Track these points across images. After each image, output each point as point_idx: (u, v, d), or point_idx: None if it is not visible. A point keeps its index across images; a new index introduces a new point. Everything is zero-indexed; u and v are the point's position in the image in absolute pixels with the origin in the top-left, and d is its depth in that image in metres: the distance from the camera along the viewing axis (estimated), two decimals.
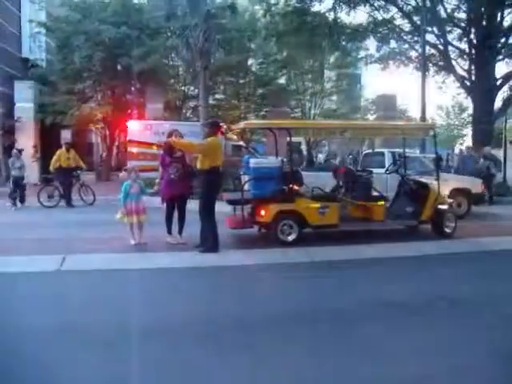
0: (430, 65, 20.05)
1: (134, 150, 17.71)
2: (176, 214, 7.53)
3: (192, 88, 24.34)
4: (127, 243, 7.17)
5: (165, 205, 7.51)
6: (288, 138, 7.85)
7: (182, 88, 24.61)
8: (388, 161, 11.28)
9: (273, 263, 6.44)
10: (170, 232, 7.53)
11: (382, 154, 12.08)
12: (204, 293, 5.15)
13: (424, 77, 16.64)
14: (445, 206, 8.33)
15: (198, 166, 6.92)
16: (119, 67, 21.27)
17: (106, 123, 22.59)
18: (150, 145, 17.19)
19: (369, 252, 7.09)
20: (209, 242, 6.85)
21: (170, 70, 23.90)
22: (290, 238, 7.49)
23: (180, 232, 7.55)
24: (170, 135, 7.41)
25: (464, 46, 18.74)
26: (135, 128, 18.07)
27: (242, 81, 25.09)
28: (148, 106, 21.18)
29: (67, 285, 5.35)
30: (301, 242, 7.41)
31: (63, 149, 12.97)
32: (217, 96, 25.37)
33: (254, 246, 7.46)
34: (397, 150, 12.21)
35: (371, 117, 35.09)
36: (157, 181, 7.76)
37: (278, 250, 7.12)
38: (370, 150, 15.38)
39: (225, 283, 5.56)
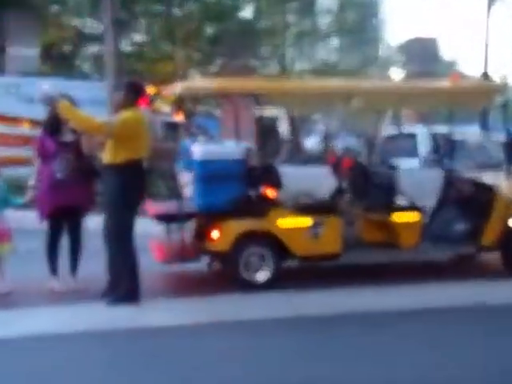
0: None
1: None
2: (66, 241, 7.51)
3: (92, 22, 24.30)
4: None
5: (46, 224, 7.50)
6: (257, 112, 7.94)
7: (74, 22, 24.56)
8: (425, 147, 11.50)
9: (231, 321, 6.46)
10: (54, 271, 7.50)
11: (414, 135, 12.31)
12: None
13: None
14: None
15: (106, 158, 6.93)
16: None
17: None
18: (15, 120, 17.16)
19: (392, 300, 7.21)
20: (122, 286, 6.86)
21: None
22: (261, 276, 7.56)
23: (73, 271, 7.55)
24: (51, 103, 7.37)
25: None
26: None
27: (177, 11, 25.17)
28: (11, 51, 20.99)
29: None
30: (278, 284, 7.48)
31: None
32: (136, 37, 25.40)
33: (200, 291, 7.48)
34: (440, 128, 12.43)
35: (397, 74, 35.74)
36: (30, 183, 7.73)
37: (241, 299, 7.17)
38: (396, 131, 15.61)
39: (145, 363, 5.54)
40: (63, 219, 7.47)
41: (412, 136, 12.45)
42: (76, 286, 7.44)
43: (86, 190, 7.53)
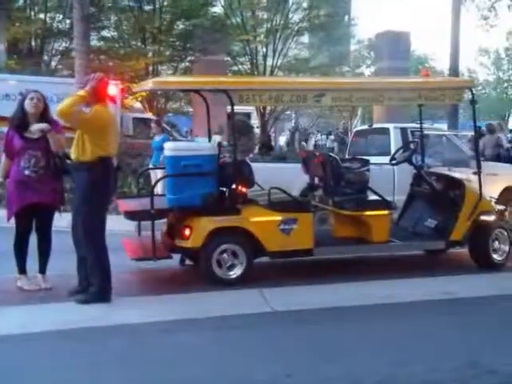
0: None
1: None
2: (34, 239, 7.45)
3: (60, 17, 24.09)
4: None
5: (14, 223, 7.45)
6: (229, 108, 7.96)
7: (42, 16, 24.33)
8: (395, 143, 11.60)
9: (203, 318, 6.47)
10: (22, 270, 7.43)
11: (386, 131, 12.41)
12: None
13: None
14: (491, 218, 8.68)
15: (75, 155, 6.86)
16: None
17: None
18: None
19: (364, 294, 7.28)
20: (94, 284, 6.85)
21: None
22: (233, 273, 7.60)
23: (42, 269, 7.48)
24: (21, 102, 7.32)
25: None
26: None
27: (148, 7, 25.03)
28: None
29: None
30: (250, 281, 7.52)
31: None
32: (105, 33, 25.22)
33: (172, 288, 7.51)
34: (410, 125, 12.56)
35: (367, 70, 35.93)
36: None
37: (213, 295, 7.19)
38: (366, 126, 15.77)
39: (117, 361, 5.53)
40: (31, 217, 7.38)
41: (383, 131, 12.53)
42: (46, 285, 7.37)
43: (55, 187, 7.39)
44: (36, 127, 7.12)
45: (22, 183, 7.21)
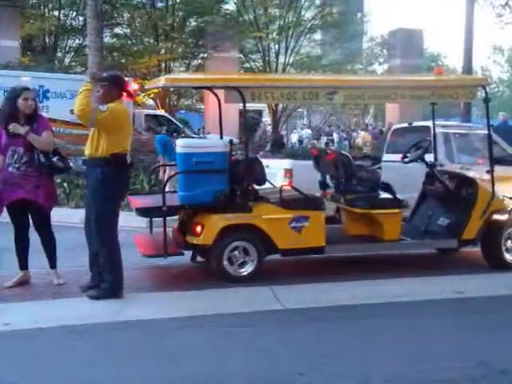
0: None
1: None
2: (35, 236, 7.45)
3: (74, 14, 24.17)
4: None
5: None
6: (241, 105, 7.97)
7: (56, 14, 24.41)
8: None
9: (213, 315, 6.49)
10: (21, 267, 7.48)
11: (427, 129, 12.32)
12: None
13: None
14: (504, 216, 8.63)
15: (89, 151, 6.90)
16: None
17: None
18: None
19: (376, 292, 7.29)
20: (106, 280, 6.89)
21: None
22: (245, 270, 7.62)
23: (51, 264, 7.48)
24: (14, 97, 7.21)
25: None
26: None
27: (160, 4, 25.07)
28: None
29: None
30: (262, 278, 7.54)
31: None
32: (118, 30, 25.30)
33: (183, 285, 7.54)
34: (449, 122, 12.49)
35: (380, 67, 35.83)
36: None
37: (224, 292, 7.22)
38: (406, 124, 15.61)
39: (128, 357, 5.54)
40: (24, 213, 7.34)
41: (425, 130, 12.43)
42: (59, 280, 7.41)
43: (38, 184, 7.23)
44: (13, 128, 7.07)
45: (6, 179, 7.20)
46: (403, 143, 12.96)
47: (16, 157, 7.14)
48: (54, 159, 7.23)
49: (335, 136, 32.64)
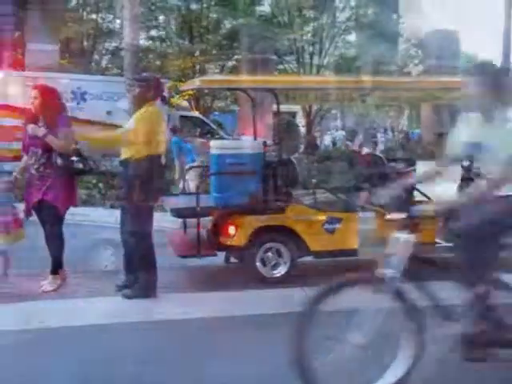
0: None
1: (4, 122, 17.48)
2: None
3: (110, 17, 24.38)
4: None
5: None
6: (275, 107, 7.98)
7: (93, 17, 24.65)
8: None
9: (244, 316, 6.50)
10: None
11: None
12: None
13: None
14: None
15: (126, 153, 6.95)
16: None
17: None
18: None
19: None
20: (140, 280, 6.93)
21: None
22: (277, 272, 7.63)
23: (52, 269, 7.32)
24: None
25: None
26: (4, 85, 17.85)
27: (195, 7, 25.14)
28: (31, 46, 21.04)
29: None
30: (295, 280, 7.51)
31: None
32: (153, 33, 25.44)
33: (216, 286, 7.56)
34: None
35: (415, 69, 35.51)
36: (15, 174, 7.54)
37: (257, 294, 7.24)
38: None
39: (160, 356, 5.56)
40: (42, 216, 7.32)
41: None
42: (46, 287, 7.20)
43: (54, 185, 7.14)
44: (31, 130, 7.10)
45: (29, 182, 7.26)
46: None
47: (35, 158, 7.12)
48: (74, 160, 7.17)
49: (379, 137, 32.23)
